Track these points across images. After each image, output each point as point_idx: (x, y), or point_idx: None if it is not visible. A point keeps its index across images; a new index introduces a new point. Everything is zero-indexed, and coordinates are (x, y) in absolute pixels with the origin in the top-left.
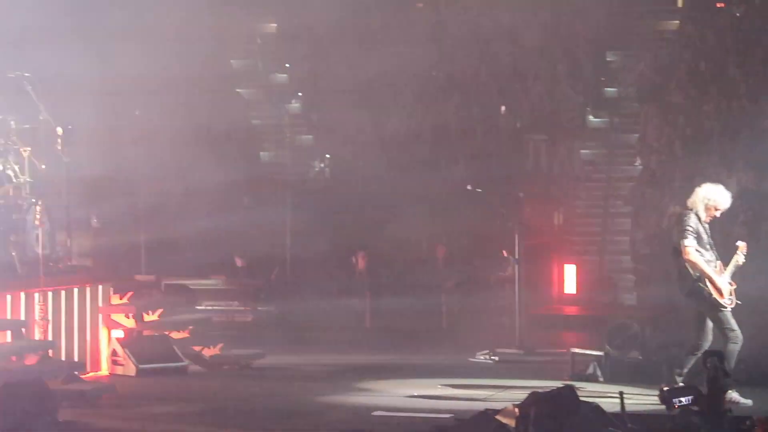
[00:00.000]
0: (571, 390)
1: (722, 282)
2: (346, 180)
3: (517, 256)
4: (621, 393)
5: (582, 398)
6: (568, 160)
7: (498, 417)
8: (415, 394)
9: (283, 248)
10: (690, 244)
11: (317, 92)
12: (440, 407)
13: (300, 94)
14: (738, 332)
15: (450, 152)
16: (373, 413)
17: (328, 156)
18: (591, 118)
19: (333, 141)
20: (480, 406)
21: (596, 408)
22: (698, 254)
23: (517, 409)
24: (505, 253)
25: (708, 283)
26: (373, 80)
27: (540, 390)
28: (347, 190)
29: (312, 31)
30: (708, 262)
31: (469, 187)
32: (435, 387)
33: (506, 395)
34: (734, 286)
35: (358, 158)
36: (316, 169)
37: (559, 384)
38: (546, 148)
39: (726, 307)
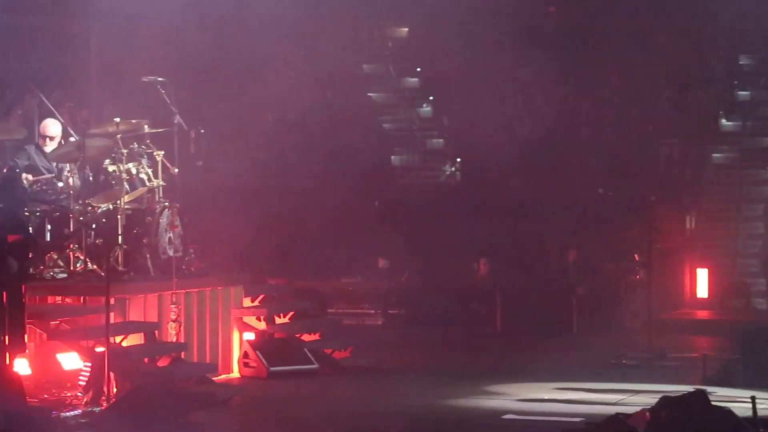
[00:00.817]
0: (702, 394)
1: None
2: (476, 183)
3: (648, 260)
4: (753, 398)
5: (713, 403)
6: (700, 164)
7: (629, 421)
8: (546, 397)
9: (414, 251)
10: None
11: (448, 96)
12: (570, 411)
13: (431, 98)
14: None
15: (581, 157)
16: (503, 416)
17: (459, 160)
18: (723, 121)
19: (463, 144)
20: (611, 410)
21: (728, 413)
22: None
23: (648, 413)
24: (636, 257)
25: None
26: (503, 84)
27: (671, 394)
28: (477, 193)
29: (443, 35)
30: None
31: (600, 191)
32: (565, 391)
33: (637, 399)
34: None
35: (488, 162)
36: (447, 173)
37: (690, 388)
38: (678, 152)
39: None
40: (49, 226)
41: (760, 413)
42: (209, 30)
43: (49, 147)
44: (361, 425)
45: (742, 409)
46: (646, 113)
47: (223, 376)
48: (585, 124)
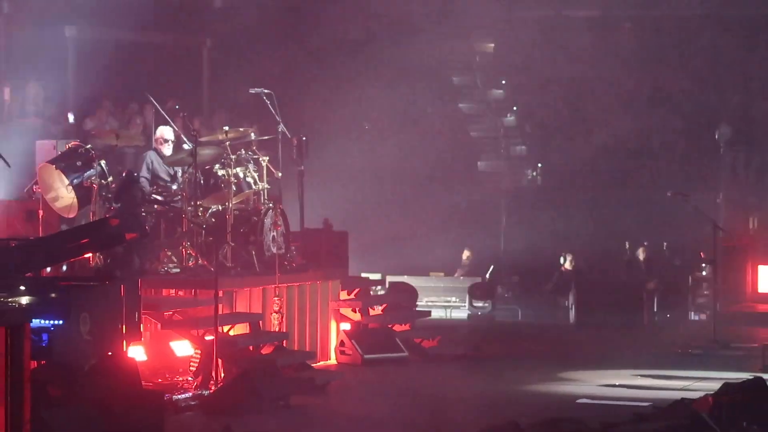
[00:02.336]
0: (761, 381)
1: None
2: (556, 186)
3: (713, 258)
4: None
5: None
6: (763, 169)
7: (693, 405)
8: (617, 383)
9: (497, 249)
10: None
11: (531, 106)
12: (639, 396)
13: (515, 108)
14: None
15: (653, 161)
16: (577, 401)
17: (540, 165)
18: None
19: (545, 151)
20: (677, 395)
21: None
22: None
23: (710, 399)
24: (702, 255)
25: None
26: (582, 94)
27: (732, 381)
28: (557, 196)
29: (525, 49)
30: None
31: (669, 194)
32: (635, 378)
33: (701, 385)
34: None
35: (568, 166)
36: (529, 177)
37: (750, 376)
38: (743, 157)
39: None
40: (163, 226)
41: None
42: (309, 43)
43: (166, 149)
44: (444, 407)
45: None
46: (713, 121)
47: (321, 363)
48: (657, 130)
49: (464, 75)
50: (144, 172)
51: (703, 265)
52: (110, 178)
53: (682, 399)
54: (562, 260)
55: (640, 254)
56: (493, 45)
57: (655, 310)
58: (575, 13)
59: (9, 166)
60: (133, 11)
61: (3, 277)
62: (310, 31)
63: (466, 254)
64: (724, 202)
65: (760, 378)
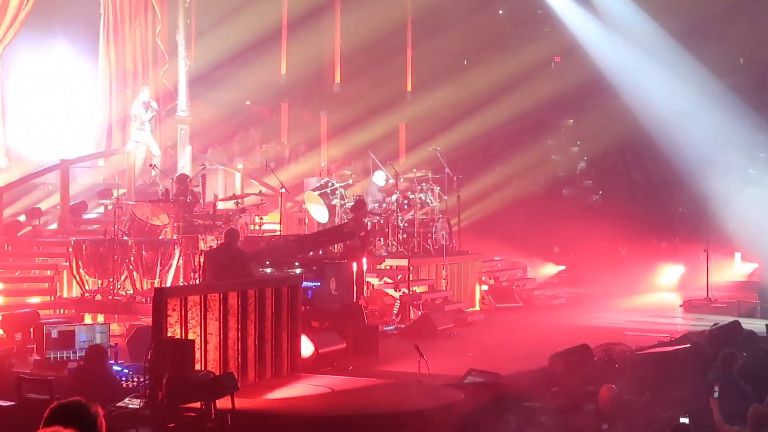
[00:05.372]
0: (737, 323)
1: None
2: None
3: None
4: None
5: None
6: None
7: (694, 336)
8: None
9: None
10: None
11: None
12: (663, 329)
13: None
14: None
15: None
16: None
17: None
18: None
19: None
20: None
21: None
22: None
23: (706, 332)
24: None
25: None
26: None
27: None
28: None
29: None
30: None
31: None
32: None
33: (700, 323)
34: None
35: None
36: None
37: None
38: None
39: None
40: (377, 228)
41: None
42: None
43: (380, 182)
44: (540, 336)
45: None
46: None
47: (470, 309)
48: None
49: None
50: (368, 198)
51: None
52: (346, 200)
53: (688, 332)
54: (622, 250)
55: None
56: None
57: None
58: None
59: (287, 191)
60: None
61: (287, 258)
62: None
63: (555, 249)
64: None
65: (737, 321)
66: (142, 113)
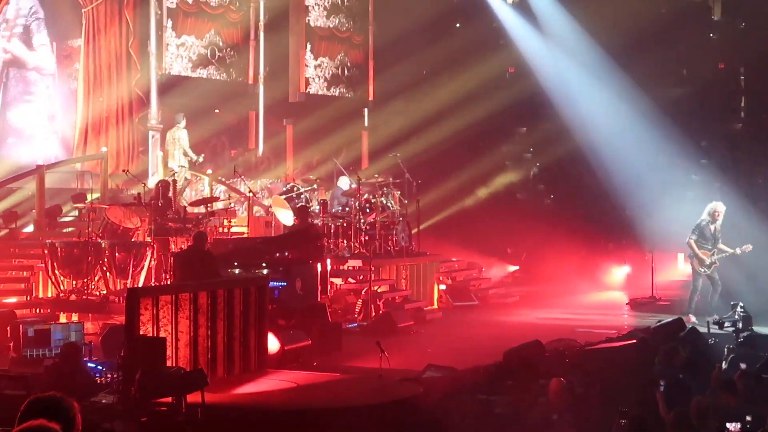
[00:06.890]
0: (680, 320)
1: None
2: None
3: None
4: None
5: None
6: None
7: (640, 332)
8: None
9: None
10: None
11: None
12: (612, 324)
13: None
14: None
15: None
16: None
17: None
18: None
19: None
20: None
21: None
22: None
23: (651, 329)
24: None
25: None
26: None
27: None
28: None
29: None
30: None
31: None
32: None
33: (646, 321)
34: None
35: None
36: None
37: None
38: None
39: None
40: (341, 230)
41: None
42: None
43: (344, 186)
44: (495, 333)
45: None
46: None
47: (429, 308)
48: None
49: None
50: (334, 201)
51: None
52: (311, 204)
53: (634, 329)
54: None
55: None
56: None
57: None
58: None
59: (254, 196)
60: None
61: (254, 260)
62: None
63: (508, 250)
64: None
65: (680, 318)
66: (186, 143)
